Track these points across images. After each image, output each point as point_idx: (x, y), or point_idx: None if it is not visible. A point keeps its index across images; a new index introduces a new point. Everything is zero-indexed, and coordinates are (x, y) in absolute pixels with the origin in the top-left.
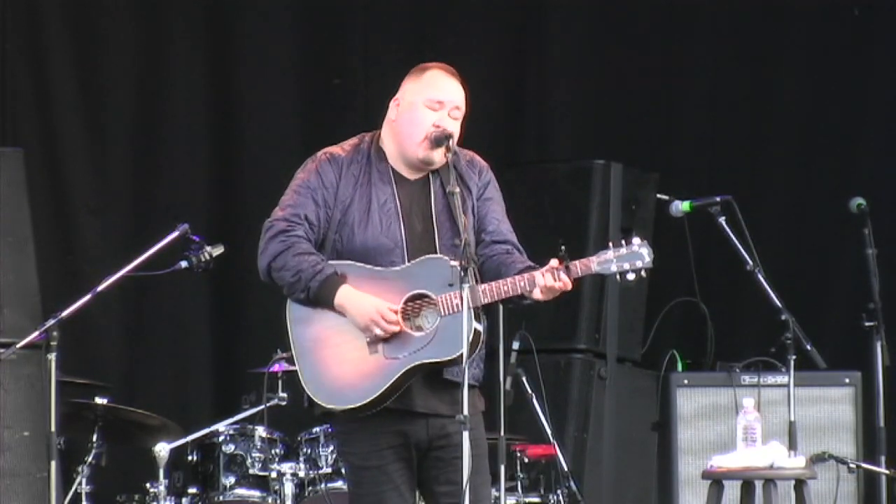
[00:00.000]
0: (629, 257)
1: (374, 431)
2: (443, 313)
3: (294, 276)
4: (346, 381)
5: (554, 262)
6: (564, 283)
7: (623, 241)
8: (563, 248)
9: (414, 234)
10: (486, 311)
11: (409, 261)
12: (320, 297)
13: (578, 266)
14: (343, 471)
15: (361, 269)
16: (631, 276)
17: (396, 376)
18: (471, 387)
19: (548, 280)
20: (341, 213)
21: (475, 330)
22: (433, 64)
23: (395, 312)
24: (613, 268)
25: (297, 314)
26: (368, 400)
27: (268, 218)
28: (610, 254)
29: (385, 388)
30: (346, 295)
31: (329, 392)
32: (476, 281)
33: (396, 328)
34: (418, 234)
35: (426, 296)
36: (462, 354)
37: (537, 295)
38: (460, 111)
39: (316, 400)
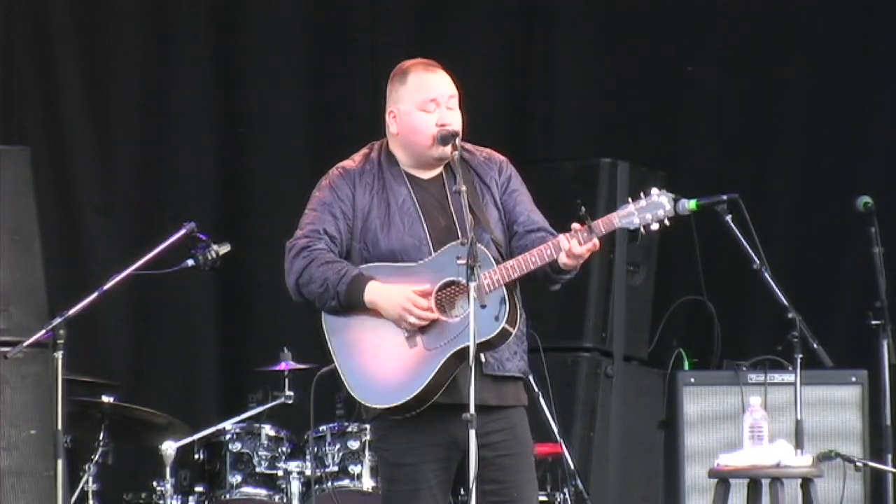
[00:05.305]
0: (650, 208)
1: (415, 429)
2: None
3: (321, 286)
4: (391, 379)
5: (576, 226)
6: (593, 244)
7: (642, 194)
8: (582, 208)
9: (437, 229)
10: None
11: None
12: (350, 299)
13: (601, 224)
14: (378, 468)
15: (388, 268)
16: (655, 227)
17: (440, 365)
18: (516, 379)
19: (573, 245)
20: (362, 221)
21: (508, 310)
22: (411, 63)
23: (427, 297)
24: (636, 220)
25: (332, 325)
26: (416, 393)
27: (288, 239)
28: (630, 207)
29: (430, 378)
30: (374, 290)
31: (377, 392)
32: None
33: (431, 314)
34: (442, 229)
35: (457, 283)
36: (505, 330)
37: (564, 260)
38: (454, 97)
39: (366, 403)
